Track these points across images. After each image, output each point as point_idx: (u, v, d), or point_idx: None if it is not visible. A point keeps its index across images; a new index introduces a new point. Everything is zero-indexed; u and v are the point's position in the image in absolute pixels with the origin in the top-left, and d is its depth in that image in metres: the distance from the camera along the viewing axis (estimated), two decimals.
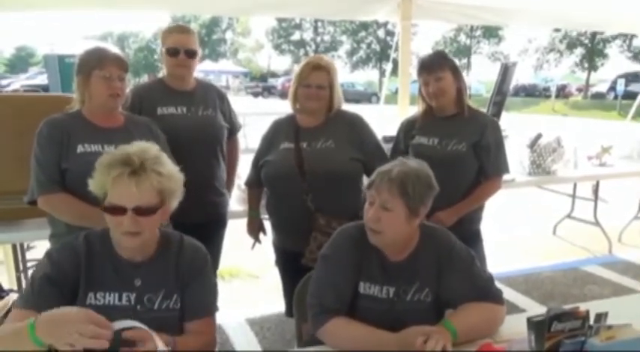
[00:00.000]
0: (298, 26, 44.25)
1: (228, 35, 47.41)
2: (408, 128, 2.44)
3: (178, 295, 1.46)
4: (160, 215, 1.39)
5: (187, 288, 1.46)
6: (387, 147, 2.74)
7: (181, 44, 2.26)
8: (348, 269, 1.54)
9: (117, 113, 1.99)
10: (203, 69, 26.72)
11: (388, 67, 5.17)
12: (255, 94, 31.37)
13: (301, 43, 44.81)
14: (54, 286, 1.34)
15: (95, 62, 1.88)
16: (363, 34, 42.27)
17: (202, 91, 2.40)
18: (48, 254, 1.41)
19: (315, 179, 2.13)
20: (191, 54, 2.28)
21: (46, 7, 3.41)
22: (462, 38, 39.15)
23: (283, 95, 29.61)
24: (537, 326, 1.30)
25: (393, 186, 1.46)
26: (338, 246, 1.59)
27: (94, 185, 1.38)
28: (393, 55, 4.59)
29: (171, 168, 1.41)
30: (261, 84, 35.17)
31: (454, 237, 1.64)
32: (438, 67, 2.26)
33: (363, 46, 43.23)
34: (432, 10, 4.12)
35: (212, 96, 2.42)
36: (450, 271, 1.56)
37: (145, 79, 38.76)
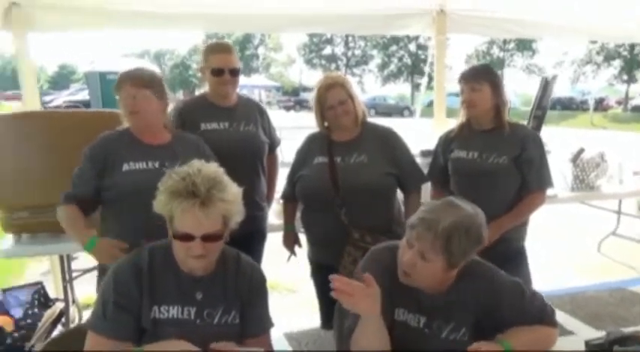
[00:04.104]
0: (329, 41, 44.67)
1: (261, 51, 48.24)
2: (447, 142, 2.42)
3: (237, 311, 1.49)
4: (224, 237, 1.44)
5: (247, 306, 1.50)
6: (425, 162, 2.72)
7: (225, 64, 2.31)
8: (381, 297, 1.44)
9: (163, 130, 2.03)
10: None
11: (424, 80, 5.16)
12: (287, 108, 31.76)
13: (332, 58, 45.19)
14: (124, 312, 1.39)
15: (116, 86, 1.95)
16: (394, 48, 42.34)
17: (244, 107, 2.45)
18: (114, 275, 1.44)
19: (349, 193, 2.13)
20: (235, 73, 2.33)
21: (87, 27, 3.55)
22: (495, 51, 38.72)
23: None
24: (597, 350, 1.25)
25: (437, 241, 1.35)
26: (371, 270, 1.51)
27: (158, 207, 1.41)
28: (427, 69, 4.58)
29: (233, 190, 1.43)
30: (292, 98, 35.60)
31: (495, 269, 1.54)
32: (475, 77, 2.24)
33: (394, 59, 43.28)
34: (467, 24, 4.10)
35: (253, 112, 2.47)
36: (499, 311, 1.46)
37: (180, 95, 39.78)
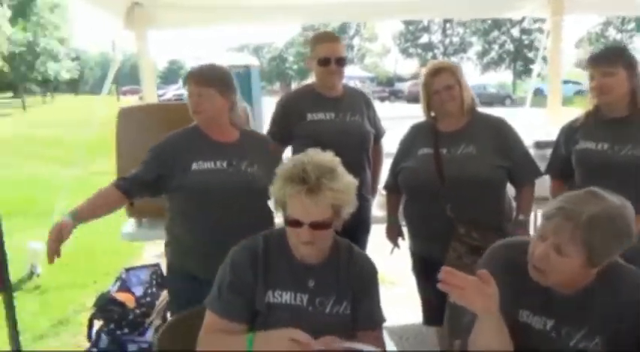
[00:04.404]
0: (426, 29, 43.62)
1: (356, 41, 48.25)
2: (570, 132, 2.22)
3: (348, 302, 1.48)
4: (333, 226, 1.44)
5: (360, 298, 1.49)
6: (539, 154, 2.56)
7: (332, 53, 2.30)
8: (503, 297, 1.31)
9: (229, 127, 2.00)
10: None
11: (535, 67, 4.81)
12: (382, 99, 31.46)
13: (429, 46, 44.08)
14: (238, 295, 1.45)
15: (185, 84, 1.95)
16: (495, 33, 40.33)
17: (350, 97, 2.43)
18: (231, 258, 1.51)
19: (455, 186, 2.05)
20: (341, 62, 2.32)
21: (201, 24, 3.74)
22: (612, 33, 35.33)
23: (410, 99, 29.35)
24: None
25: (577, 231, 1.20)
26: (490, 268, 1.37)
27: (273, 192, 1.46)
28: (538, 54, 4.28)
29: (346, 180, 1.42)
30: (387, 88, 35.19)
31: None
32: (607, 60, 2.03)
33: (495, 46, 41.27)
34: (585, 2, 3.76)
35: (359, 102, 2.45)
36: None
37: (277, 87, 41.05)
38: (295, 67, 47.38)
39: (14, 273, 2.21)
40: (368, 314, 1.51)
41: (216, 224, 1.85)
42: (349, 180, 1.44)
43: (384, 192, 2.55)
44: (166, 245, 2.06)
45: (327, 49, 2.31)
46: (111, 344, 2.69)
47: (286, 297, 1.45)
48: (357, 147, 2.38)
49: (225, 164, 1.90)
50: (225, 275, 1.48)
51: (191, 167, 1.88)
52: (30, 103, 27.00)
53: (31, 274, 4.06)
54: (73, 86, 45.53)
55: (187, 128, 1.99)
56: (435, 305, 2.18)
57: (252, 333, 1.39)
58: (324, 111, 2.35)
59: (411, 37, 44.35)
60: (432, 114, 2.21)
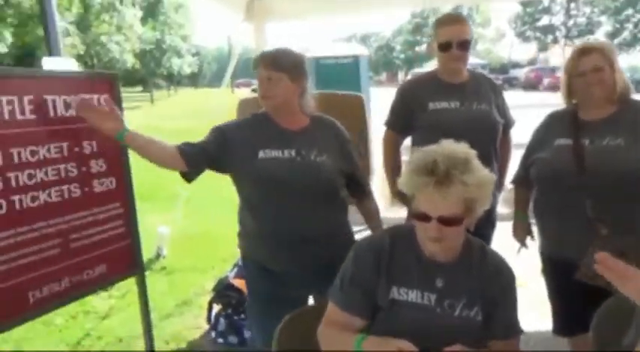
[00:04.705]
0: (547, 10, 40.51)
1: None
2: None
3: (480, 307, 1.37)
4: (465, 223, 1.33)
5: (494, 303, 1.38)
6: None
7: (453, 36, 2.15)
8: None
9: (299, 114, 1.89)
10: None
11: None
12: None
13: (549, 29, 40.99)
14: (358, 287, 1.41)
15: (253, 67, 1.85)
16: (629, 11, 36.31)
17: (476, 84, 2.26)
18: (355, 251, 1.47)
19: (598, 182, 1.79)
20: (463, 45, 2.15)
21: (316, 13, 3.75)
22: None
23: (527, 87, 27.44)
24: None
25: None
26: None
27: (401, 183, 1.38)
28: None
29: (480, 174, 1.31)
30: (501, 76, 33.28)
31: None
32: None
33: (629, 25, 37.14)
34: None
35: (486, 89, 2.27)
36: None
37: (383, 77, 40.71)
38: (402, 56, 46.64)
39: (144, 254, 2.38)
40: (504, 322, 1.39)
41: (282, 214, 1.79)
42: (484, 174, 1.32)
43: (510, 187, 2.35)
44: (238, 235, 2.00)
45: (448, 33, 2.16)
46: (228, 327, 2.81)
47: (412, 296, 1.38)
48: (485, 139, 2.20)
49: (293, 153, 1.80)
50: (348, 268, 1.45)
51: (258, 155, 1.79)
52: (157, 97, 29.53)
53: (158, 256, 4.40)
54: (194, 80, 49.16)
55: (256, 114, 1.91)
56: (566, 312, 2.02)
57: (362, 334, 1.34)
58: (447, 99, 2.20)
59: (529, 19, 41.51)
60: (574, 101, 1.97)
